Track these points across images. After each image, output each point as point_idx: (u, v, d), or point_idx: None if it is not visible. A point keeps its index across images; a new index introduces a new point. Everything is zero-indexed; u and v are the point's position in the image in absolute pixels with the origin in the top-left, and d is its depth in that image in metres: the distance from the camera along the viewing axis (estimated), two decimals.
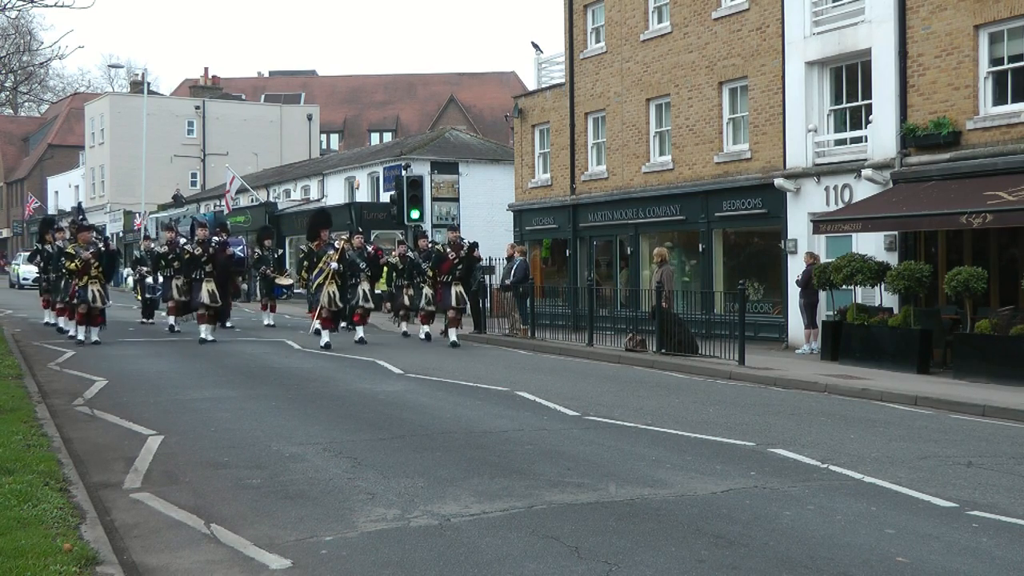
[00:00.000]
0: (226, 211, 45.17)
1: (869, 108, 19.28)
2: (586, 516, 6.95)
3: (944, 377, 15.56)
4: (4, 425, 9.55)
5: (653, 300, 18.87)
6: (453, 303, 20.58)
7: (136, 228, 51.02)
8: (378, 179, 38.46)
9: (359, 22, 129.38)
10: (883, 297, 17.75)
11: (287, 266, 27.00)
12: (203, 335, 19.68)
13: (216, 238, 20.98)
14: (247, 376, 14.82)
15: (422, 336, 21.75)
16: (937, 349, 16.62)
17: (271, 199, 45.04)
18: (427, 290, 21.61)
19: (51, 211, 71.21)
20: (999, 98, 17.09)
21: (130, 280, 34.89)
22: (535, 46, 31.40)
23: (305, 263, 20.11)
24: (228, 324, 22.97)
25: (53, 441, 9.13)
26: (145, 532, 6.62)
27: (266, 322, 24.81)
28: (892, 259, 18.01)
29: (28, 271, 41.61)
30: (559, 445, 9.53)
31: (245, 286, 25.71)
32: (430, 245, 22.64)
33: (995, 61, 17.14)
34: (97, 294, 18.56)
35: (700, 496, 7.57)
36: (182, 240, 22.16)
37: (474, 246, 21.13)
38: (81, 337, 18.64)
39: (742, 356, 16.56)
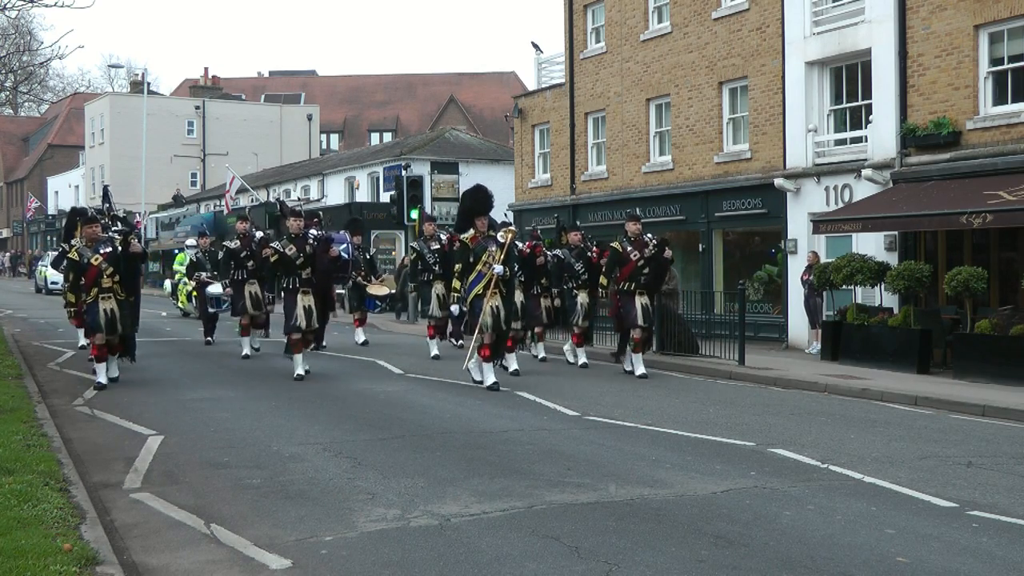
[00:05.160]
0: (226, 211, 45.16)
1: (869, 108, 19.29)
2: (586, 516, 6.95)
3: (944, 377, 15.55)
4: (4, 425, 9.55)
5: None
6: (640, 320, 15.26)
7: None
8: (378, 179, 38.47)
9: (359, 22, 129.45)
10: (883, 297, 17.75)
11: (379, 270, 21.36)
12: (298, 369, 14.19)
13: (313, 232, 14.89)
14: (247, 376, 14.82)
15: (575, 361, 16.90)
16: (937, 349, 16.62)
17: (271, 199, 45.04)
18: (582, 299, 16.82)
19: (51, 211, 71.32)
20: (999, 98, 17.10)
21: (167, 284, 30.97)
22: (535, 46, 31.44)
23: (458, 265, 14.02)
24: (323, 345, 17.76)
25: (53, 441, 9.13)
26: (145, 532, 6.61)
27: (360, 339, 19.71)
28: (892, 259, 18.01)
29: (56, 274, 38.58)
30: (559, 445, 9.53)
31: (344, 291, 19.52)
32: (585, 242, 17.42)
33: (995, 61, 17.14)
34: (109, 315, 12.99)
35: (700, 496, 7.57)
36: (259, 234, 17.08)
37: (664, 244, 15.65)
38: (101, 380, 13.05)
39: (742, 356, 16.55)
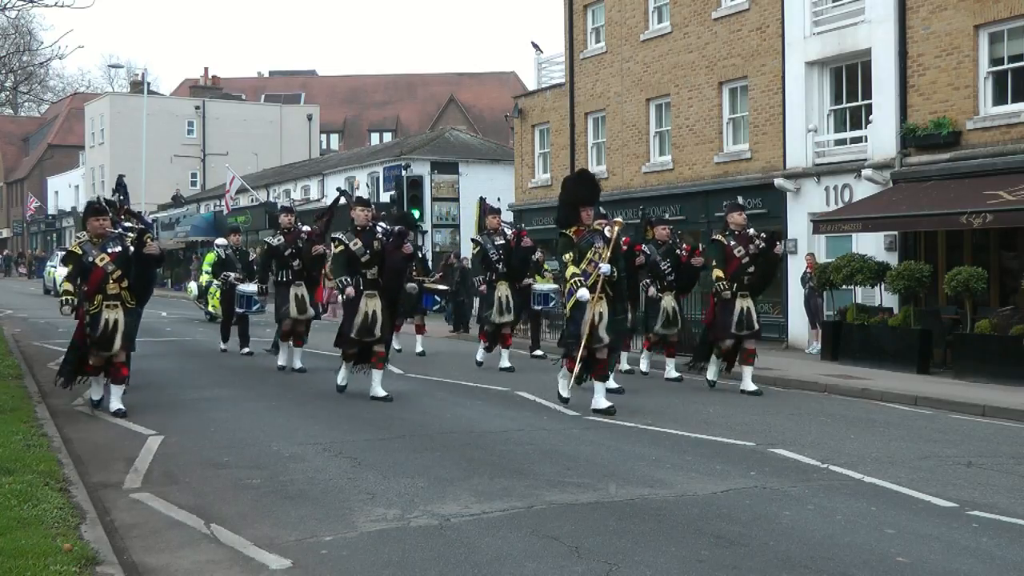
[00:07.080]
0: (226, 211, 45.18)
1: (869, 108, 19.29)
2: (586, 516, 6.95)
3: (944, 377, 15.55)
4: (4, 425, 9.54)
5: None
6: (734, 329, 13.36)
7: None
8: (378, 179, 38.49)
9: (359, 22, 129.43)
10: (883, 297, 17.76)
11: (431, 266, 19.42)
12: (375, 390, 12.24)
13: (383, 225, 12.81)
14: (247, 376, 14.82)
15: (672, 375, 14.92)
16: (937, 349, 16.61)
17: (271, 199, 45.05)
18: (668, 303, 14.89)
19: (51, 211, 71.31)
20: (999, 98, 17.10)
21: (192, 286, 28.86)
22: (535, 46, 31.48)
23: (567, 255, 11.59)
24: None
25: (53, 441, 9.13)
26: (145, 532, 6.61)
27: (418, 348, 17.68)
28: (892, 259, 18.01)
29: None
30: (559, 445, 9.53)
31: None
32: (673, 238, 15.24)
33: (995, 61, 17.15)
34: (109, 328, 10.82)
35: (700, 496, 7.57)
36: (305, 228, 15.35)
37: (775, 238, 13.66)
38: (96, 397, 11.53)
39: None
